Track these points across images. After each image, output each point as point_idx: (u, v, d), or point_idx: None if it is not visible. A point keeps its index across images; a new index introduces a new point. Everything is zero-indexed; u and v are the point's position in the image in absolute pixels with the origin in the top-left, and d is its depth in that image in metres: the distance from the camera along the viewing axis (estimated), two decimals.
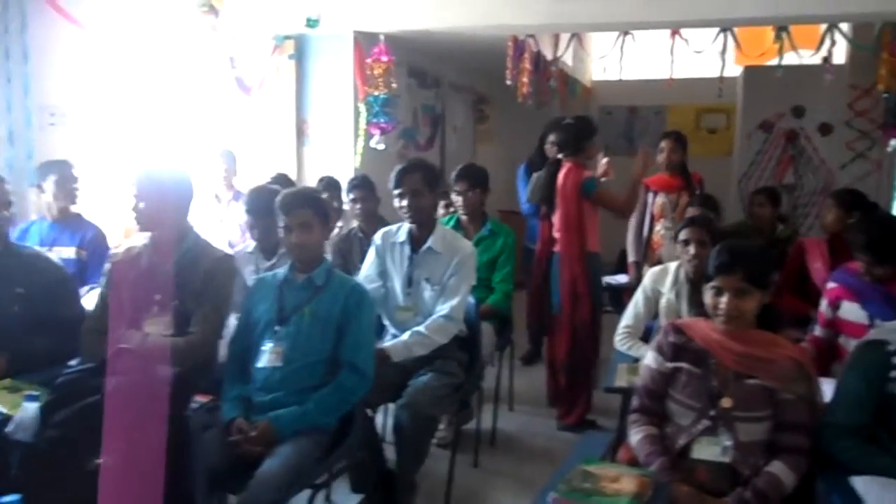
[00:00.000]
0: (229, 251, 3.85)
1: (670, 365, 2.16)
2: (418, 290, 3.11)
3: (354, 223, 4.10)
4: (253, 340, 2.56)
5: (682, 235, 3.10)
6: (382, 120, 4.79)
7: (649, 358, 2.24)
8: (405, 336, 2.99)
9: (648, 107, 8.53)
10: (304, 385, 2.45)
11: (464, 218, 3.92)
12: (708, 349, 2.11)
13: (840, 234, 3.64)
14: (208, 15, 4.95)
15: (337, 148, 5.00)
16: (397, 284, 3.14)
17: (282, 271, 2.66)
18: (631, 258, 4.47)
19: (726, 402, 2.03)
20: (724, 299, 2.05)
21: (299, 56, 5.02)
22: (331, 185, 4.42)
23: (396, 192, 3.08)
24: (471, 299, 3.27)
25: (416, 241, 3.13)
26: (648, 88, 8.09)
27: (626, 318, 3.16)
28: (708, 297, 2.12)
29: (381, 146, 4.88)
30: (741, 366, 2.06)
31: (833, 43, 4.49)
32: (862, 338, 2.20)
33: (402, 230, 3.17)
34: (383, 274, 3.18)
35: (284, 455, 2.29)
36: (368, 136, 4.90)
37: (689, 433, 2.07)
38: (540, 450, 3.77)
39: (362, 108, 4.86)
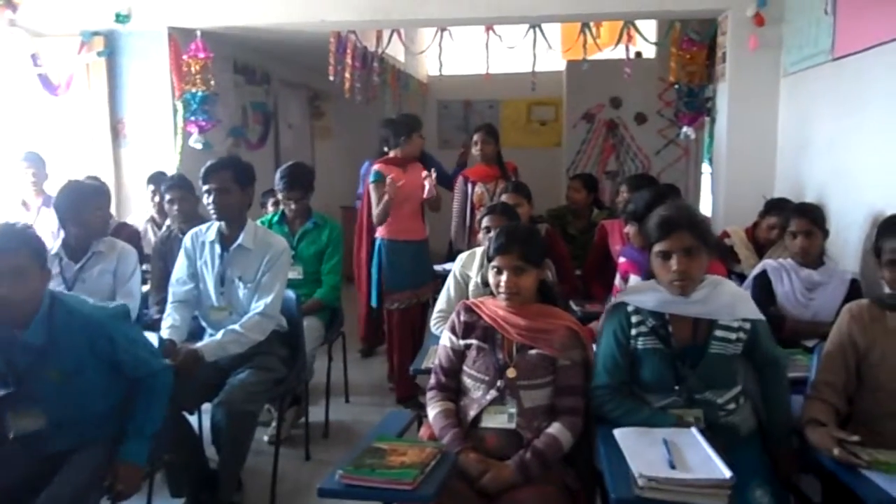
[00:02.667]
0: None
1: (462, 342, 2.31)
2: (232, 289, 3.08)
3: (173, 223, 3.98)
4: None
5: (485, 222, 3.28)
6: (201, 118, 4.68)
7: (444, 338, 2.39)
8: (219, 335, 2.96)
9: (483, 101, 8.82)
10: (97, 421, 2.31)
11: (288, 213, 3.95)
12: (494, 325, 2.27)
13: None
14: (4, 9, 4.67)
15: (156, 148, 4.83)
16: (210, 284, 3.10)
17: None
18: (455, 246, 4.65)
19: (511, 373, 2.21)
20: (503, 277, 2.25)
21: (111, 53, 4.79)
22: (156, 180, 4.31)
23: (204, 188, 3.04)
24: (290, 293, 3.29)
25: (226, 239, 3.10)
26: (482, 83, 8.33)
27: (440, 302, 3.30)
28: (491, 276, 2.31)
29: (199, 145, 4.77)
30: (524, 338, 2.24)
31: (630, 38, 4.84)
32: None
33: (212, 229, 3.13)
34: (195, 276, 3.13)
35: (80, 463, 2.22)
36: (187, 135, 4.77)
37: (479, 404, 2.22)
38: None
39: (180, 105, 4.73)
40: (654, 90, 7.09)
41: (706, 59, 4.74)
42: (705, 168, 5.67)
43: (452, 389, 2.33)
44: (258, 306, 3.02)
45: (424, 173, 4.17)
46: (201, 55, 4.70)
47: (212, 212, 3.06)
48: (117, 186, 4.84)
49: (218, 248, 3.09)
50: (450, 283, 3.32)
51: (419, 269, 4.32)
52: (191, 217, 3.83)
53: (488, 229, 3.21)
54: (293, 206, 3.91)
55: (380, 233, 4.32)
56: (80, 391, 2.28)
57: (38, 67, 4.75)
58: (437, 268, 4.41)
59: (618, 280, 3.27)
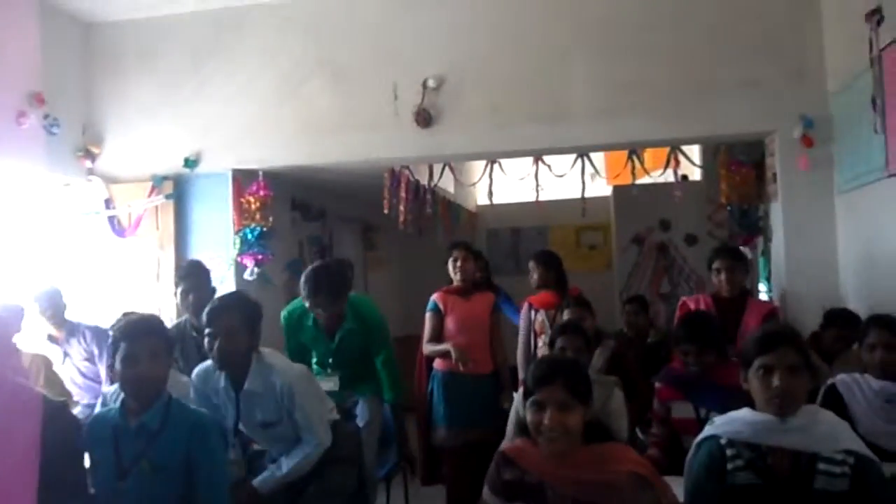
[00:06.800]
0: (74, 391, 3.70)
1: None
2: (260, 436, 2.93)
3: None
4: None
5: (559, 343, 3.18)
6: (257, 251, 4.83)
7: (486, 494, 2.14)
8: (274, 472, 2.82)
9: (531, 227, 8.95)
10: None
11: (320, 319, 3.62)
12: (543, 480, 2.03)
13: None
14: (84, 160, 5.01)
15: (218, 284, 4.96)
16: (231, 427, 2.87)
17: (111, 414, 2.39)
18: (521, 376, 4.55)
19: None
20: (546, 415, 1.99)
21: (179, 196, 5.05)
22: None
23: (207, 331, 2.74)
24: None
25: (234, 382, 2.84)
26: (530, 210, 8.48)
27: (507, 438, 3.18)
28: (529, 414, 2.03)
29: (252, 278, 4.89)
30: (581, 494, 1.99)
31: (677, 163, 4.93)
32: (693, 431, 2.31)
33: (220, 373, 2.86)
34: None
35: None
36: (241, 269, 4.91)
37: None
38: None
39: (237, 241, 4.90)
40: (703, 212, 7.11)
41: (756, 179, 4.78)
42: (761, 287, 5.57)
43: None
44: (308, 442, 2.84)
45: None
46: (261, 193, 4.92)
47: (214, 359, 2.77)
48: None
49: (232, 393, 2.84)
50: (511, 417, 3.22)
51: (473, 407, 4.13)
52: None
53: (563, 349, 3.10)
54: (321, 313, 3.52)
55: (437, 364, 4.25)
56: (160, 491, 2.27)
57: (110, 211, 5.02)
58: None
59: (656, 404, 3.12)
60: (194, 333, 3.57)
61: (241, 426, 2.89)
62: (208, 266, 3.90)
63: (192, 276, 3.63)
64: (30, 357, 4.00)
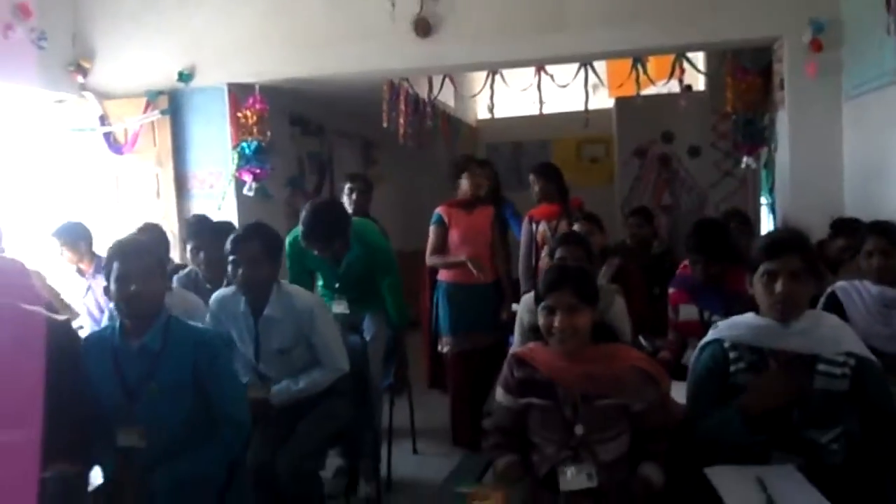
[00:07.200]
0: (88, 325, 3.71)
1: (522, 401, 2.17)
2: (273, 362, 2.93)
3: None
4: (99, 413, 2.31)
5: (559, 253, 3.19)
6: (255, 166, 4.79)
7: (499, 394, 2.24)
8: (290, 386, 2.88)
9: (533, 142, 8.84)
10: (175, 449, 2.28)
11: None
12: (552, 377, 2.12)
13: None
14: (76, 74, 4.90)
15: (219, 200, 4.95)
16: (249, 356, 2.93)
17: (108, 334, 2.36)
18: (522, 287, 4.59)
19: (579, 430, 2.07)
20: (557, 318, 2.09)
21: (174, 111, 4.96)
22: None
23: (230, 258, 2.82)
24: (356, 339, 3.26)
25: (254, 309, 2.89)
26: (531, 124, 8.39)
27: (514, 346, 3.24)
28: (541, 318, 2.14)
29: (251, 193, 4.87)
30: (589, 388, 2.08)
31: (682, 71, 4.82)
32: (697, 334, 2.35)
33: (239, 296, 2.91)
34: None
35: None
36: (241, 184, 4.88)
37: (550, 461, 2.10)
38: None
39: (235, 156, 4.85)
40: (707, 122, 7.00)
41: (762, 86, 4.68)
42: (763, 200, 5.56)
43: (515, 446, 2.20)
44: (326, 363, 2.93)
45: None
46: (258, 107, 4.83)
47: (239, 285, 2.85)
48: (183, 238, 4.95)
49: (251, 320, 2.89)
50: (516, 328, 3.27)
51: (477, 314, 4.22)
52: (217, 265, 3.41)
53: (563, 259, 3.11)
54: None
55: (442, 275, 4.29)
56: (173, 410, 2.28)
57: (105, 127, 4.95)
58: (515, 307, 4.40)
59: (670, 311, 3.22)
60: (208, 286, 3.53)
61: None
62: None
63: (201, 234, 3.62)
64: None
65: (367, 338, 3.64)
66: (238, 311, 2.90)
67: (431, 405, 4.54)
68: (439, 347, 4.31)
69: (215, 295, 3.01)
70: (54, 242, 4.14)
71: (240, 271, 2.79)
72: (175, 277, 3.53)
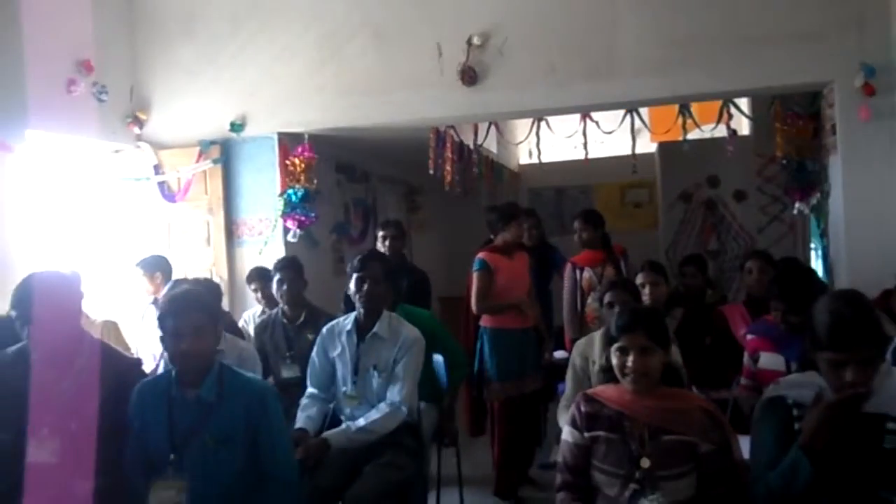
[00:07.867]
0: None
1: (587, 435, 2.19)
2: (366, 378, 3.08)
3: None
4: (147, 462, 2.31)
5: (608, 298, 3.20)
6: (300, 213, 4.85)
7: (566, 432, 2.26)
8: (350, 427, 2.92)
9: (575, 187, 8.84)
10: None
11: None
12: (621, 409, 2.16)
13: (754, 296, 3.80)
14: (132, 126, 5.06)
15: (264, 246, 5.02)
16: (345, 373, 3.12)
17: (164, 381, 2.39)
18: (568, 335, 4.54)
19: (645, 463, 2.07)
20: (630, 358, 2.14)
21: (226, 159, 5.08)
22: (262, 275, 4.41)
23: (357, 275, 3.11)
24: None
25: (361, 328, 3.13)
26: (573, 169, 8.39)
27: (565, 395, 3.22)
28: (615, 358, 2.20)
29: (295, 240, 4.94)
30: (656, 419, 2.11)
31: (730, 117, 4.79)
32: None
33: (349, 319, 3.18)
34: (330, 365, 3.15)
35: None
36: (286, 231, 4.95)
37: (618, 502, 2.08)
38: None
39: (280, 202, 4.93)
40: (751, 167, 6.93)
41: (813, 131, 4.62)
42: (812, 244, 5.44)
43: (583, 488, 2.19)
44: (392, 395, 3.00)
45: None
46: (306, 155, 4.92)
47: (362, 300, 3.10)
48: (231, 284, 5.03)
49: (354, 338, 3.12)
50: (568, 374, 3.23)
51: (523, 359, 4.20)
52: (298, 302, 3.85)
53: (612, 304, 3.10)
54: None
55: (484, 321, 4.27)
56: (223, 463, 2.28)
57: (160, 176, 5.08)
58: (557, 354, 4.37)
59: (746, 358, 3.14)
60: (284, 321, 3.85)
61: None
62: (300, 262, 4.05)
63: (289, 269, 3.88)
64: (100, 324, 4.11)
65: None
66: (345, 330, 3.14)
67: (476, 455, 4.48)
68: (484, 395, 4.27)
69: (327, 326, 3.24)
70: (137, 272, 4.34)
71: (365, 287, 3.07)
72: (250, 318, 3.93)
